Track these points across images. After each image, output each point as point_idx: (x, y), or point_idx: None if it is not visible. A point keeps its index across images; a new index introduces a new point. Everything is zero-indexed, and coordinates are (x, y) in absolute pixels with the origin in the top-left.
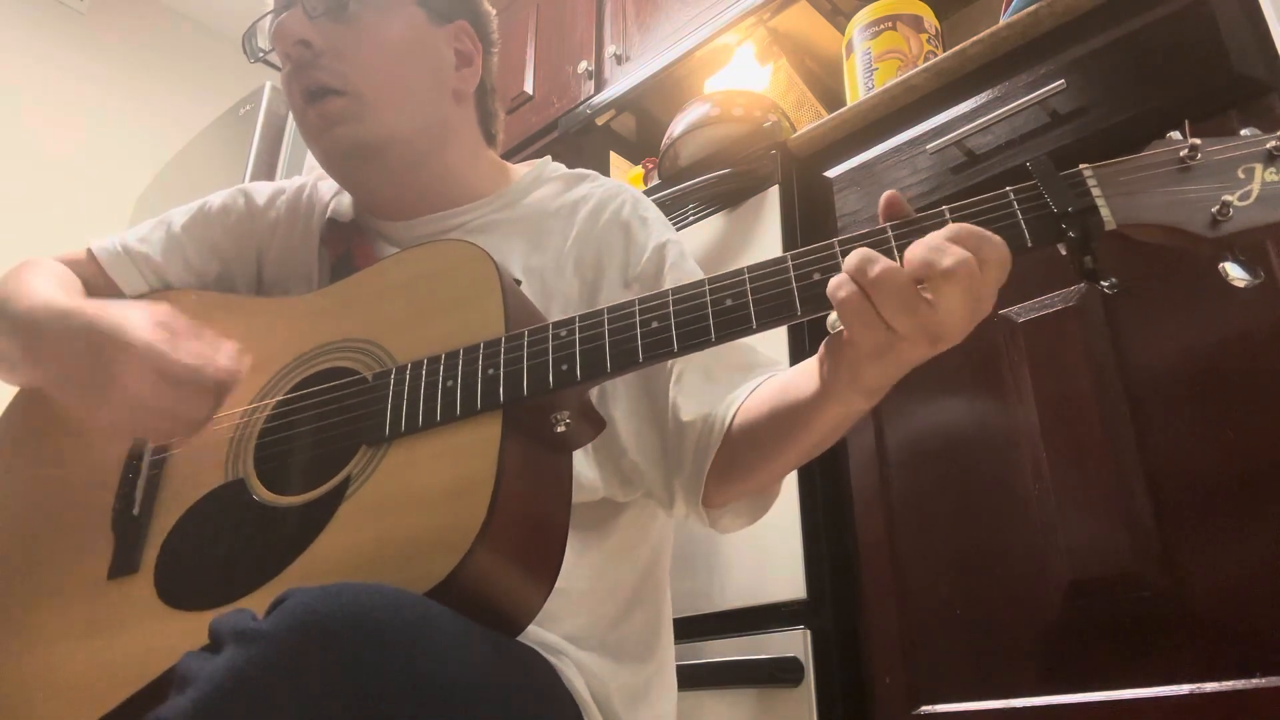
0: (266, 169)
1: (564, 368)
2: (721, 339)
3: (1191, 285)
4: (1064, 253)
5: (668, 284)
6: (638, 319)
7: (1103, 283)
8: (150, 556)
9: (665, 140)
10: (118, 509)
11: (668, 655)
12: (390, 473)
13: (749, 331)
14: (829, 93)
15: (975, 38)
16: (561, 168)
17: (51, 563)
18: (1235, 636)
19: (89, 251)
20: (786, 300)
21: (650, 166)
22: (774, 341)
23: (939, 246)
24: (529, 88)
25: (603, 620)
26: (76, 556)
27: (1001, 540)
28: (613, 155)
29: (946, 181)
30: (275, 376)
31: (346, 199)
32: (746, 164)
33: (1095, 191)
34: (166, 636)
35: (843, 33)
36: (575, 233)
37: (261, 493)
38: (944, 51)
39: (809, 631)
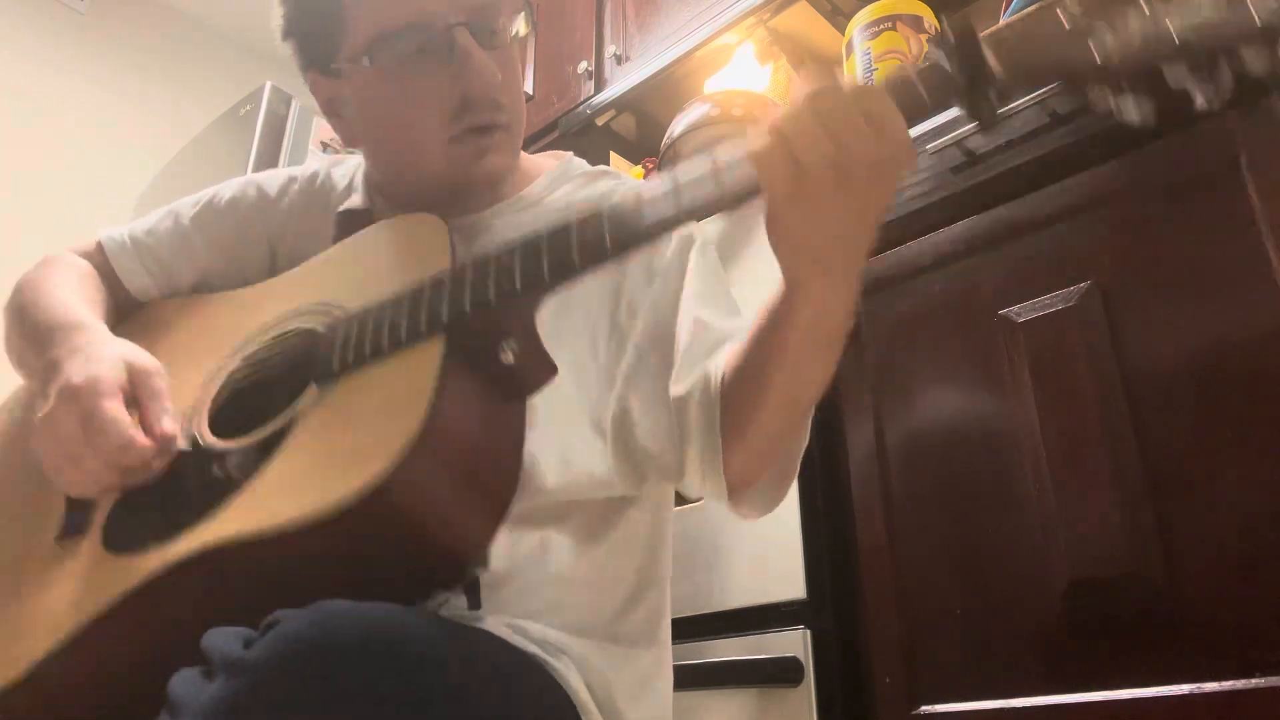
0: (267, 169)
1: (504, 283)
2: (651, 230)
3: (1191, 285)
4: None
5: (692, 274)
6: (573, 232)
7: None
8: (99, 519)
9: (665, 140)
10: None
11: (667, 642)
12: (336, 401)
13: (676, 212)
14: None
15: None
16: (584, 165)
17: (9, 540)
18: (1235, 636)
19: (98, 244)
20: (710, 179)
21: (650, 166)
22: None
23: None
24: (529, 88)
25: (607, 610)
26: (32, 530)
27: (1001, 540)
28: (613, 155)
29: (946, 181)
30: (237, 345)
31: (359, 188)
32: None
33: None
34: (104, 575)
35: (843, 33)
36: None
37: (210, 440)
38: None
39: (809, 631)
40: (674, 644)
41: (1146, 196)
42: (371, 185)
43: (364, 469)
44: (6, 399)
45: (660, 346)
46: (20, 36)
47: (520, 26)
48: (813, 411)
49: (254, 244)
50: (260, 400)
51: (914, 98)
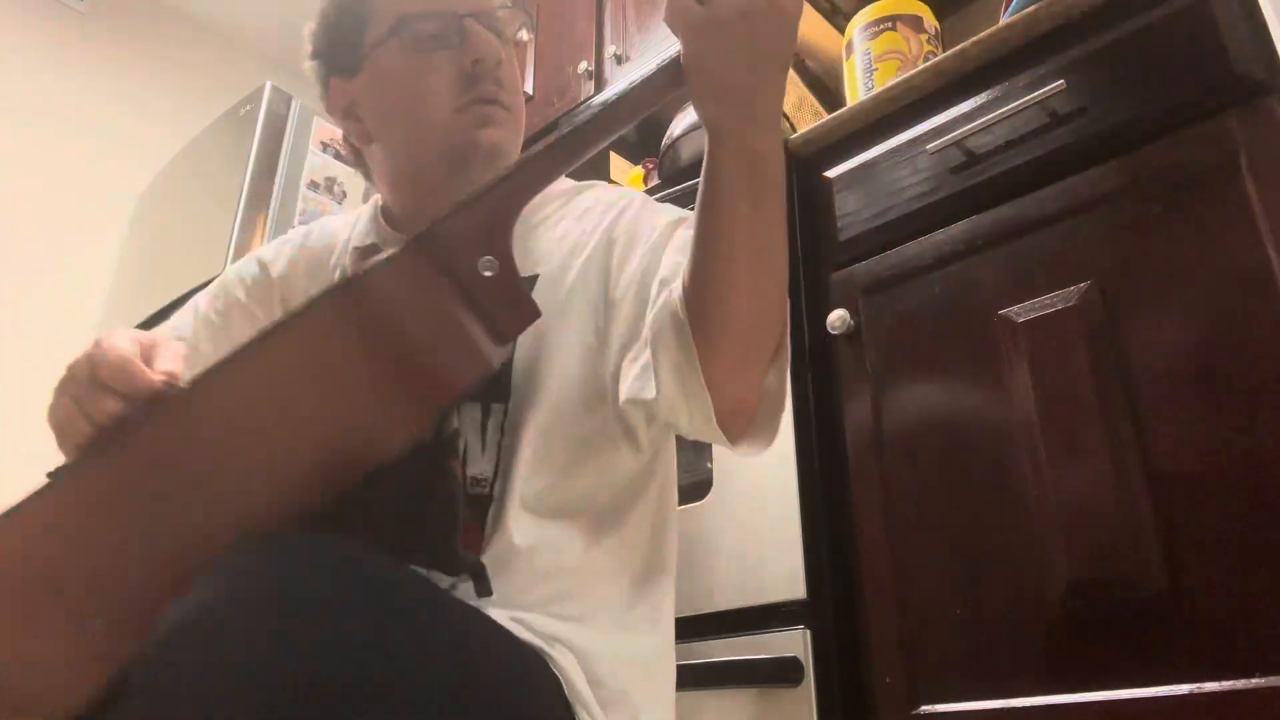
0: (266, 169)
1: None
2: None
3: (1191, 285)
4: None
5: (659, 232)
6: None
7: None
8: None
9: (665, 140)
10: None
11: (670, 632)
12: None
13: (621, 96)
14: (829, 93)
15: (975, 38)
16: (570, 181)
17: None
18: (1235, 636)
19: None
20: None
21: (650, 166)
22: None
23: None
24: (529, 88)
25: (614, 600)
26: None
27: (1001, 540)
28: (613, 155)
29: (946, 181)
30: None
31: (363, 226)
32: None
33: None
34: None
35: (843, 33)
36: (584, 227)
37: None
38: (944, 51)
39: (809, 631)
40: (675, 643)
41: (1146, 196)
42: (379, 215)
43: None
44: None
45: (640, 304)
46: (20, 36)
47: (522, 33)
48: (785, 305)
49: (267, 310)
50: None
51: None
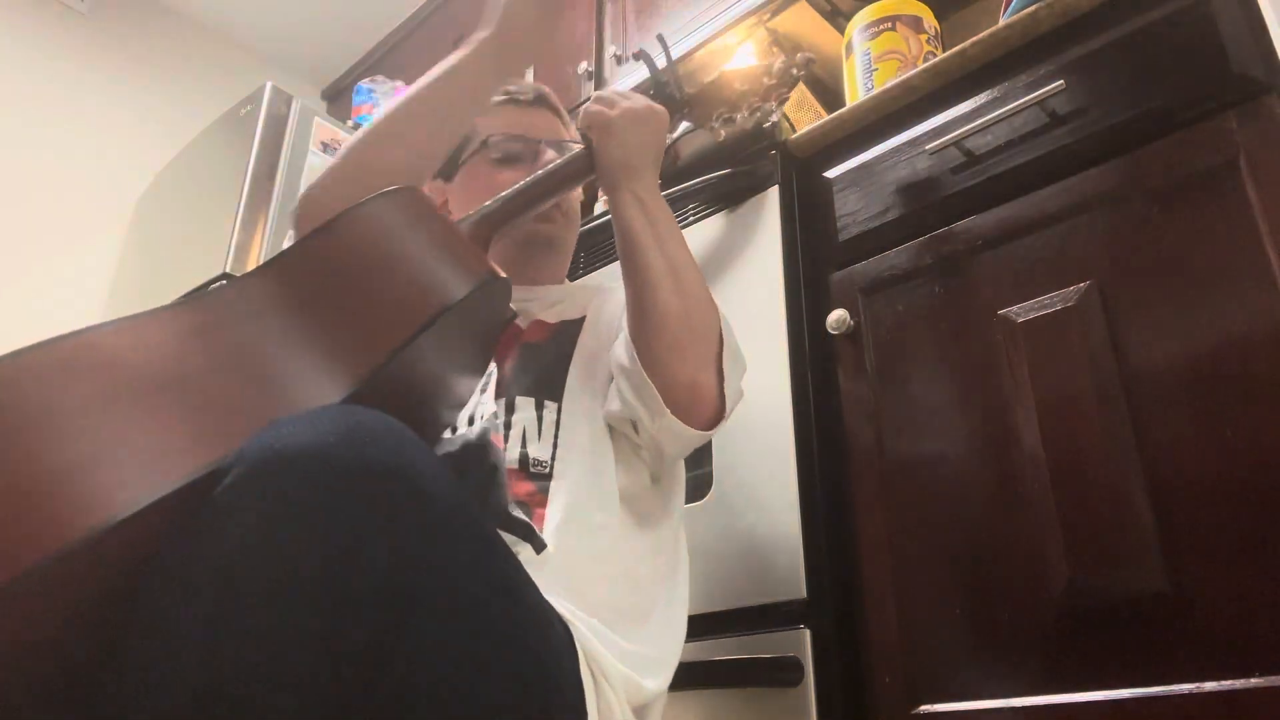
0: (267, 169)
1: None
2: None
3: (1191, 285)
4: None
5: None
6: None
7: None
8: None
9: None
10: None
11: (682, 629)
12: None
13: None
14: (829, 93)
15: (975, 38)
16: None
17: None
18: (1235, 636)
19: None
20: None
21: None
22: (773, 342)
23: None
24: None
25: (630, 594)
26: None
27: (1001, 540)
28: None
29: (946, 181)
30: None
31: None
32: (746, 164)
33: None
34: None
35: (842, 33)
36: (600, 299)
37: None
38: (943, 52)
39: (809, 631)
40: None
41: (1146, 196)
42: None
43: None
44: None
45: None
46: (20, 36)
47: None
48: (710, 303)
49: None
50: None
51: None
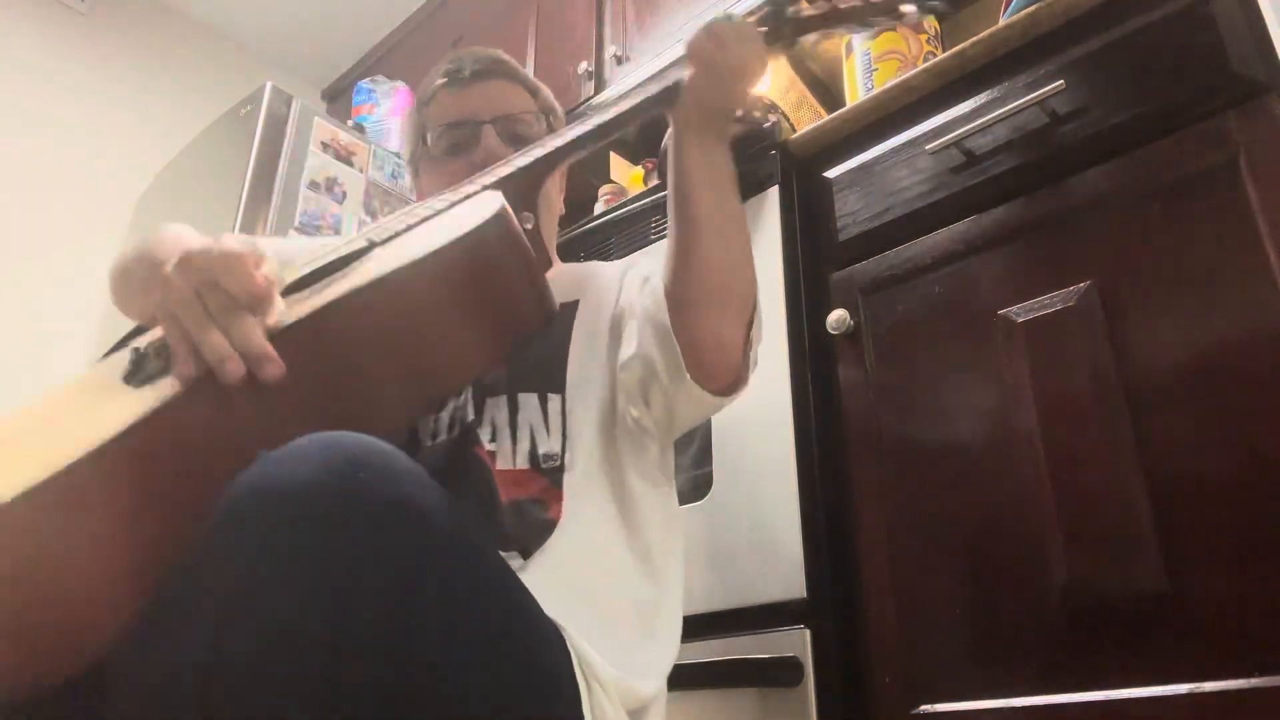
0: (267, 169)
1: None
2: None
3: (1191, 285)
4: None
5: (632, 283)
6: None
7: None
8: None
9: (665, 141)
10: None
11: (676, 629)
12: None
13: (640, 101)
14: (829, 93)
15: (975, 38)
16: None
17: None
18: (1235, 636)
19: None
20: (655, 80)
21: (650, 167)
22: (773, 342)
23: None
24: None
25: (615, 599)
26: (97, 385)
27: (1001, 540)
28: (613, 155)
29: (946, 182)
30: None
31: None
32: (746, 164)
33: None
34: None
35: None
36: (594, 279)
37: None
38: (943, 52)
39: (809, 631)
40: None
41: (1146, 196)
42: None
43: (463, 226)
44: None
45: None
46: (20, 36)
47: (542, 133)
48: (752, 268)
49: None
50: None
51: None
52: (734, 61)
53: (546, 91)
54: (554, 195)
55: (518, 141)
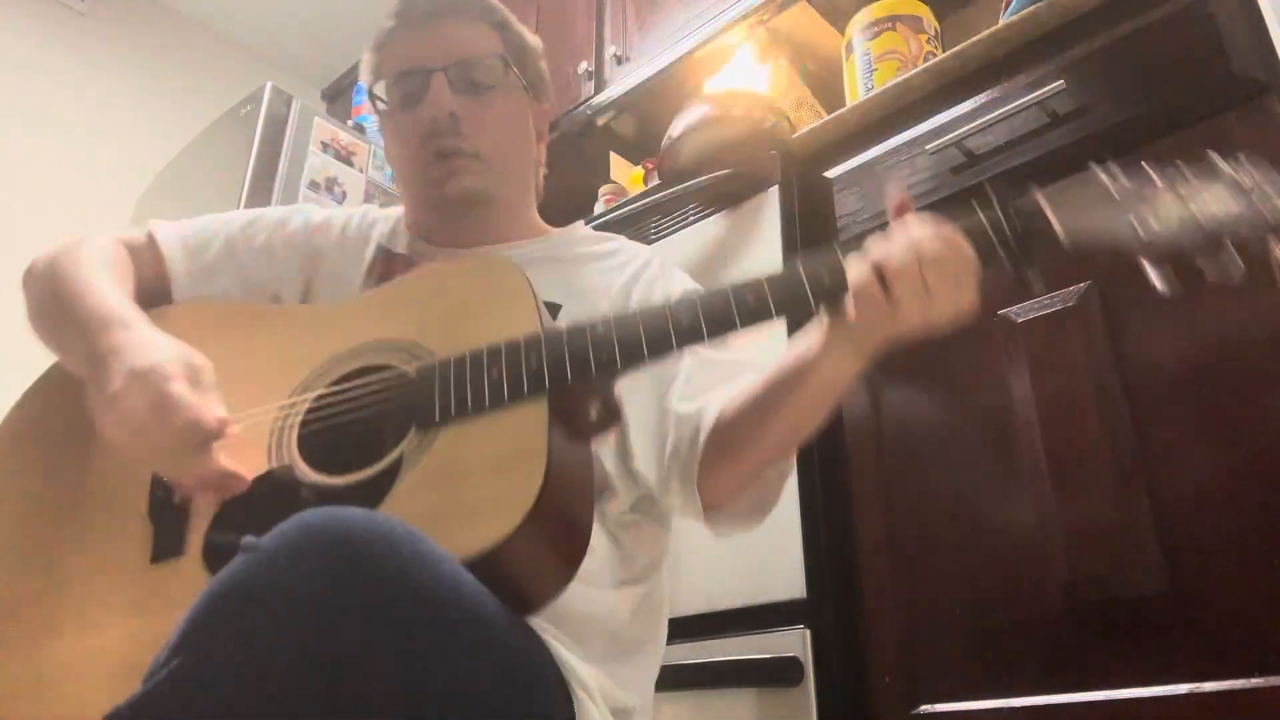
0: (267, 169)
1: (604, 356)
2: (746, 324)
3: (1191, 286)
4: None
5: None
6: (669, 315)
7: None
8: (196, 540)
9: (665, 141)
10: (156, 497)
11: (661, 645)
12: (444, 451)
13: (769, 317)
14: (829, 93)
15: (975, 38)
16: (590, 230)
17: (85, 550)
18: (1235, 636)
19: (150, 235)
20: (800, 294)
21: (650, 167)
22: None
23: (919, 236)
24: None
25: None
26: (112, 542)
27: (1001, 540)
28: (613, 156)
29: (946, 182)
30: (312, 374)
31: (400, 231)
32: (747, 165)
33: (1055, 224)
34: None
35: (843, 33)
36: (608, 274)
37: (310, 475)
38: (943, 52)
39: (809, 631)
40: (674, 644)
41: None
42: (409, 226)
43: (484, 527)
44: (33, 390)
45: (656, 379)
46: (20, 36)
47: (507, 78)
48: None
49: (294, 266)
50: (350, 437)
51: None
52: (922, 319)
53: (518, 28)
54: (504, 146)
55: (475, 90)
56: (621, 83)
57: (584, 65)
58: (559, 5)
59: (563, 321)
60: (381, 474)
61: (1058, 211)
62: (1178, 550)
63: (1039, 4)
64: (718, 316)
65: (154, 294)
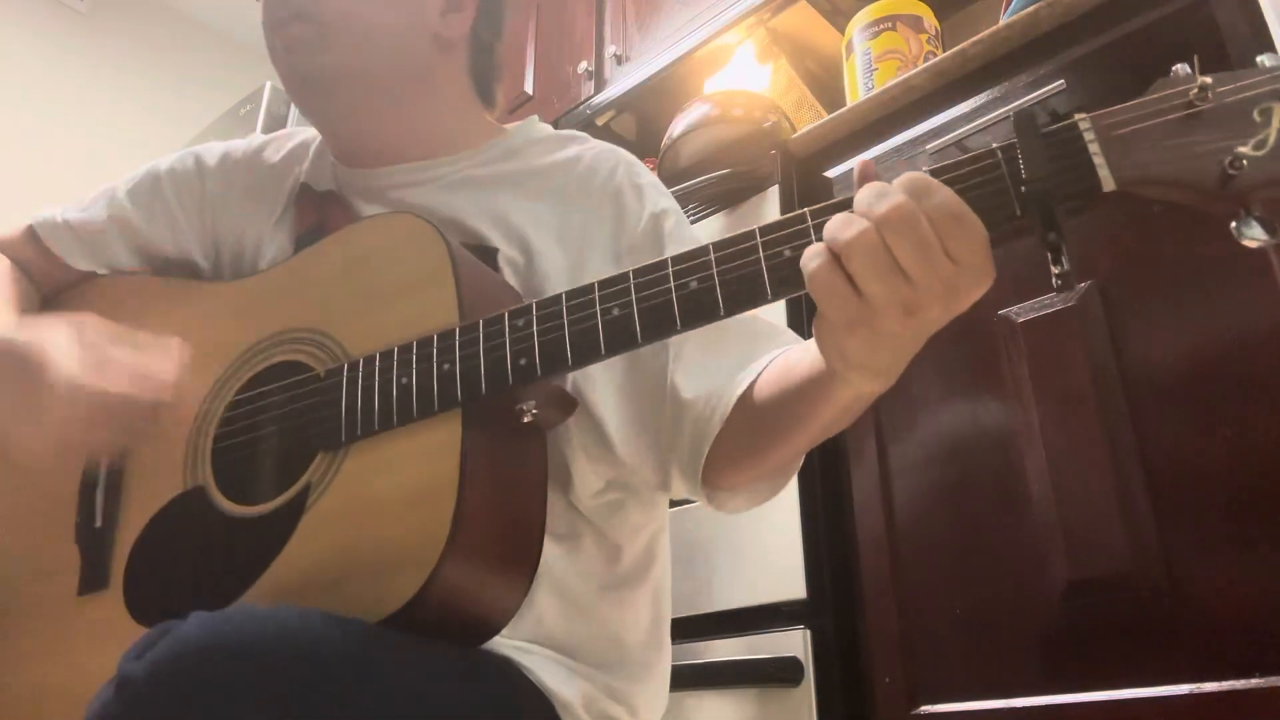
0: None
1: (522, 362)
2: (687, 327)
3: (1191, 285)
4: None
5: (667, 255)
6: (598, 307)
7: (1060, 268)
8: (118, 571)
9: (665, 141)
10: (80, 522)
11: (667, 652)
12: (350, 480)
13: (717, 318)
14: (829, 93)
15: (975, 38)
16: (549, 128)
17: (21, 582)
18: (1235, 636)
19: (29, 229)
20: (757, 283)
21: (650, 167)
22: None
23: (880, 191)
24: (529, 88)
25: (606, 633)
26: (46, 574)
27: (1001, 540)
28: None
29: None
30: (227, 371)
31: (326, 164)
32: (746, 164)
33: (1093, 148)
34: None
35: (843, 33)
36: (560, 199)
37: (221, 502)
38: (944, 52)
39: (809, 631)
40: (674, 644)
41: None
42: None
43: (396, 578)
44: None
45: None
46: (20, 36)
47: None
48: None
49: (195, 219)
50: (260, 450)
51: (1006, 211)
52: (936, 322)
53: None
54: (350, 17)
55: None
56: (621, 83)
57: (584, 65)
58: (559, 5)
59: (493, 305)
60: (289, 504)
61: (1106, 144)
62: (1178, 550)
63: (1039, 4)
64: (656, 316)
65: (58, 280)
